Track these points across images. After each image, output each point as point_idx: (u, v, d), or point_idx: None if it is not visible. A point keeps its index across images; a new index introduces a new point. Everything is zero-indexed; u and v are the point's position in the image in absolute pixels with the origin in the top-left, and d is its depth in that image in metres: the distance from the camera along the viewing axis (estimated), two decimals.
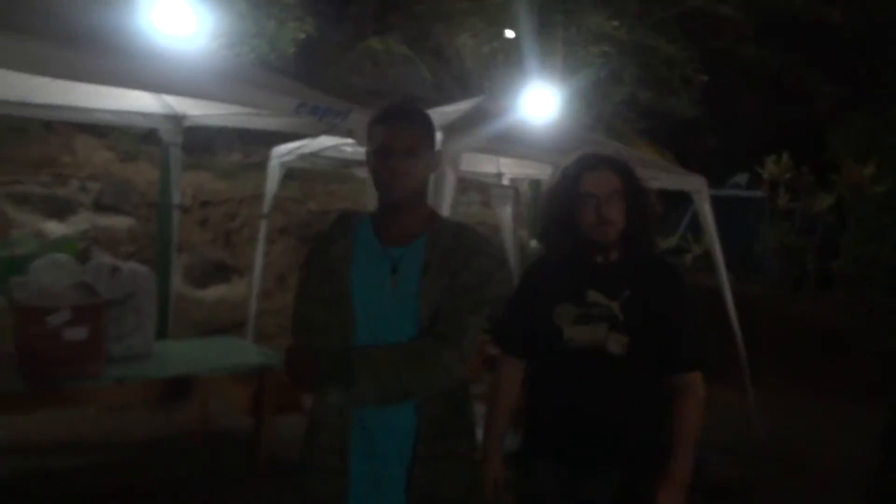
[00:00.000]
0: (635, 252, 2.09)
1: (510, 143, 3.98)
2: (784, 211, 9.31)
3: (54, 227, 5.76)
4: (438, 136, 3.48)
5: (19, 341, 2.76)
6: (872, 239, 9.14)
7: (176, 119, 4.34)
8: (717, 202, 5.17)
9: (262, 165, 5.48)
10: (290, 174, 5.35)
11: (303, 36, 7.12)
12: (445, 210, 3.42)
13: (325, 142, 4.23)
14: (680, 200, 8.70)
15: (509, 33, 9.62)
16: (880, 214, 9.24)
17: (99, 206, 6.13)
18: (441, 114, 4.10)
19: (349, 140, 3.47)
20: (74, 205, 6.02)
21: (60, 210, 5.93)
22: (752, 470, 4.63)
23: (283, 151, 4.98)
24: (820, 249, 9.32)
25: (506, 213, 5.71)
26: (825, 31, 10.19)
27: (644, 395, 2.02)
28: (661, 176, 5.06)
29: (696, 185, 4.92)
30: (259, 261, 5.29)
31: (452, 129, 3.60)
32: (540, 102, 5.36)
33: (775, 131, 10.61)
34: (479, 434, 1.98)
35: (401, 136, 1.76)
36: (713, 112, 10.79)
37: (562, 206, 2.08)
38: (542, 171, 4.89)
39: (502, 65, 9.79)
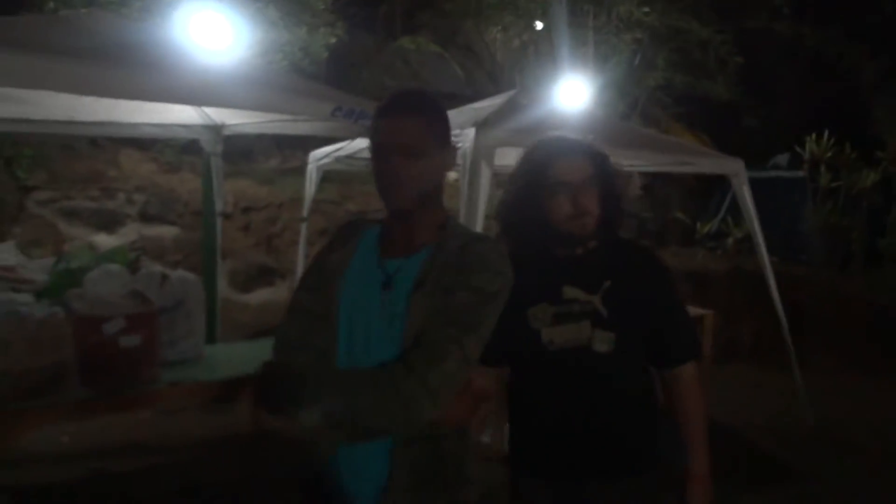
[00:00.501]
0: (610, 240, 1.91)
1: (543, 134, 3.99)
2: (827, 190, 9.12)
3: (104, 240, 5.95)
4: (471, 132, 3.56)
5: (78, 350, 2.86)
6: None
7: (215, 129, 4.45)
8: (758, 184, 5.11)
9: (300, 170, 5.60)
10: (328, 177, 5.44)
11: (334, 41, 7.22)
12: (481, 206, 3.45)
13: (360, 143, 4.30)
14: (719, 184, 8.61)
15: (539, 25, 9.60)
16: None
17: (145, 217, 6.33)
18: (473, 110, 4.15)
19: None
20: (122, 217, 6.22)
21: (109, 223, 6.14)
22: (803, 453, 4.58)
23: (320, 155, 5.07)
24: (866, 227, 9.11)
25: None
26: (863, 3, 9.94)
27: (636, 394, 1.88)
28: (698, 160, 5.03)
29: (733, 168, 4.86)
30: (301, 263, 5.39)
31: (485, 124, 3.63)
32: (572, 93, 5.37)
33: (816, 109, 10.40)
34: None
35: (401, 133, 1.49)
36: (751, 93, 10.62)
37: (529, 198, 1.85)
38: None
39: (533, 57, 9.79)
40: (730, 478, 4.07)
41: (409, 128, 1.50)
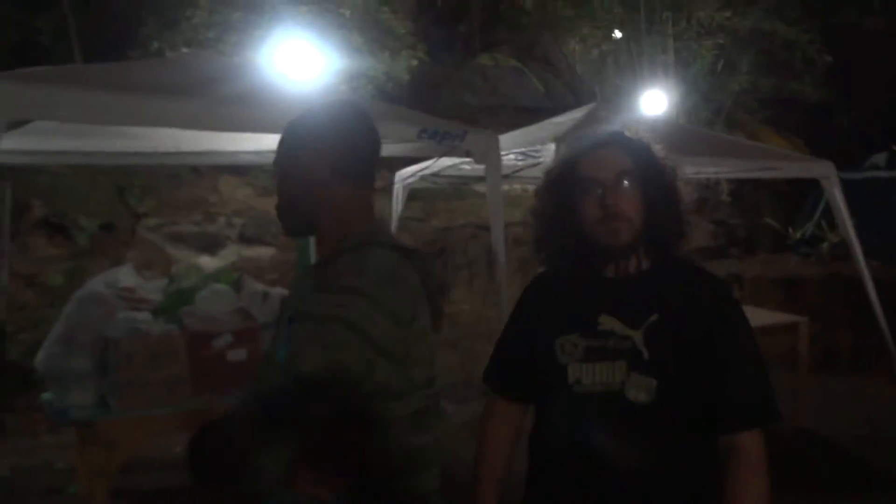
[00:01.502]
0: (665, 259, 1.53)
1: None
2: None
3: (207, 261, 6.33)
4: (551, 147, 3.63)
5: (190, 363, 3.10)
6: None
7: None
8: (855, 185, 4.94)
9: (386, 189, 5.79)
10: (413, 195, 5.61)
11: (415, 63, 7.43)
12: None
13: (444, 162, 4.45)
14: (813, 187, 8.32)
15: (617, 34, 9.58)
16: None
17: (244, 239, 6.70)
18: (553, 125, 4.23)
19: (467, 159, 3.65)
20: (222, 239, 6.62)
21: (211, 245, 6.54)
22: None
23: (406, 175, 5.25)
24: None
25: None
26: None
27: (681, 457, 1.45)
28: (784, 165, 4.94)
29: (823, 171, 4.75)
30: None
31: (565, 139, 3.70)
32: (652, 102, 5.38)
33: None
34: None
35: None
36: (843, 92, 10.22)
37: (558, 201, 1.54)
38: None
39: (613, 67, 9.75)
40: (830, 489, 3.96)
41: (279, 145, 1.45)
